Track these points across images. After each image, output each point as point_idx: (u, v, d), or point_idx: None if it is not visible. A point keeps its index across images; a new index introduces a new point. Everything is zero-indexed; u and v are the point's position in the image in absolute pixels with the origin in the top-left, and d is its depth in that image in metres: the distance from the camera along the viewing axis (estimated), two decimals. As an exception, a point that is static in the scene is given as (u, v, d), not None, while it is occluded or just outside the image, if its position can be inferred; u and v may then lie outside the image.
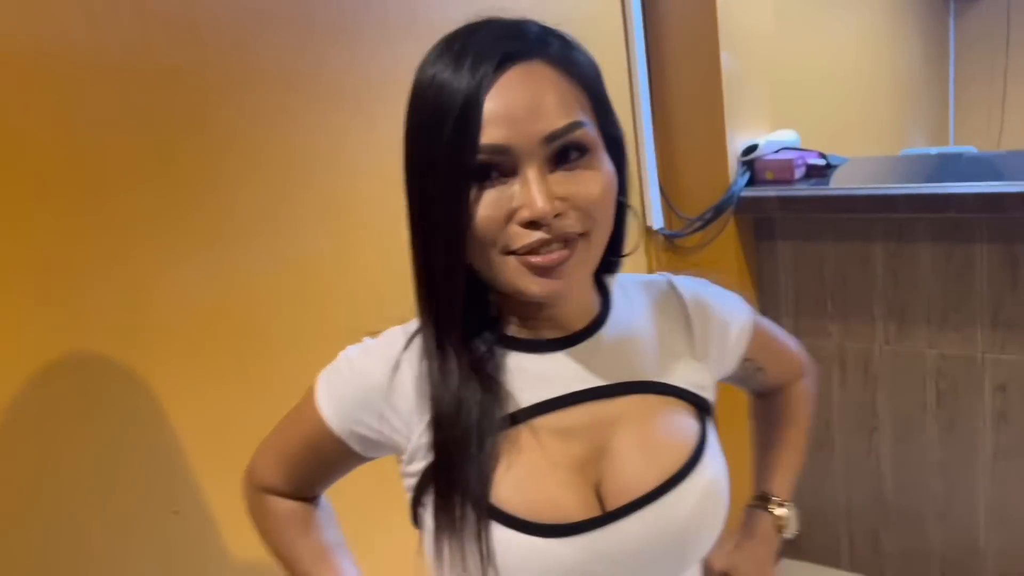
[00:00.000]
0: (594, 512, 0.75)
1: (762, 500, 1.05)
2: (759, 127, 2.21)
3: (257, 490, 0.91)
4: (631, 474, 0.76)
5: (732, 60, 2.06)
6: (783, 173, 2.08)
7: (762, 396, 1.08)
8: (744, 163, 2.13)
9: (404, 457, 0.80)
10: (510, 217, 0.70)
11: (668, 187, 2.15)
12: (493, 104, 0.68)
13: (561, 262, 0.70)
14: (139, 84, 1.09)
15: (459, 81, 0.68)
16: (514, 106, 0.68)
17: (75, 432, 1.05)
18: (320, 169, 1.34)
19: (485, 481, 0.74)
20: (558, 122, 0.69)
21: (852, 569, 2.35)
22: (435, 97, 0.69)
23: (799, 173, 2.10)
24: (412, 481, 0.80)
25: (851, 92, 3.43)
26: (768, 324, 1.00)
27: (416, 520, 0.82)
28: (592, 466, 0.77)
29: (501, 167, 0.69)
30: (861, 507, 2.28)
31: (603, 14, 1.96)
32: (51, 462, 1.03)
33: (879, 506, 2.25)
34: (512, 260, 0.71)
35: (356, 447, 0.82)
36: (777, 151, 2.14)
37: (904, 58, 4.06)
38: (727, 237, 2.13)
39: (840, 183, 2.06)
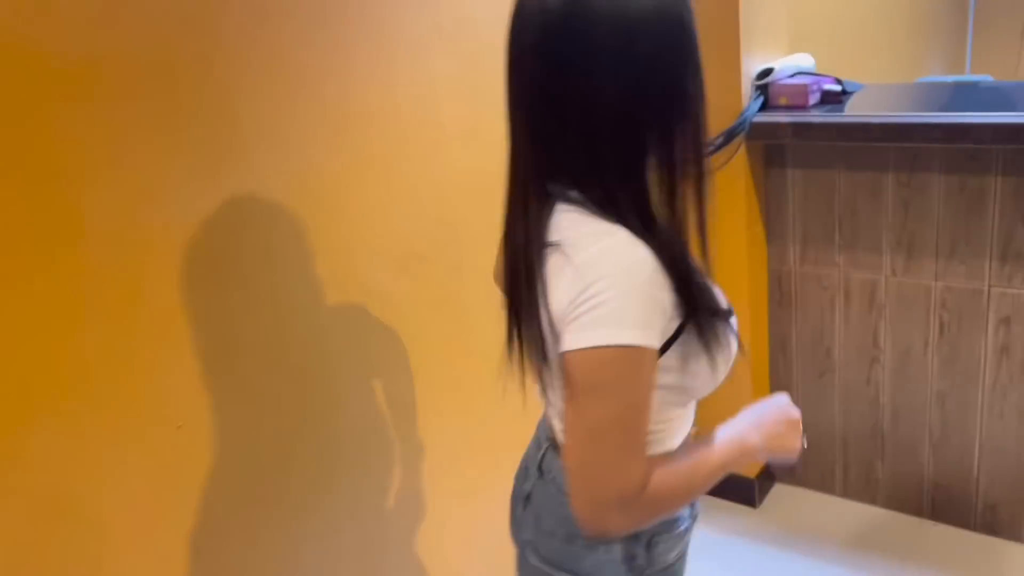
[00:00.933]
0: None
1: None
2: (775, 50, 2.15)
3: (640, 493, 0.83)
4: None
5: (750, -21, 1.99)
6: (797, 98, 2.03)
7: None
8: (758, 87, 2.08)
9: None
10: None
11: (679, 111, 2.10)
12: None
13: None
14: (138, -11, 1.05)
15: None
16: None
17: (73, 340, 1.04)
18: (330, 82, 1.30)
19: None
20: None
21: (845, 495, 2.39)
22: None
23: (814, 99, 2.05)
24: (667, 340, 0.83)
25: (869, 17, 3.33)
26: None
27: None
28: None
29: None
30: (858, 436, 2.31)
31: None
32: (50, 370, 1.03)
33: (875, 435, 2.28)
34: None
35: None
36: (792, 75, 2.09)
37: (925, -18, 3.94)
38: (738, 162, 2.09)
39: (855, 110, 2.01)
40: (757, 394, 2.34)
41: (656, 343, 0.80)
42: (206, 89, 1.14)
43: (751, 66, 2.06)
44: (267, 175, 1.24)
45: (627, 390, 0.79)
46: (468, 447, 1.70)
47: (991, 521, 2.16)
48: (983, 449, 2.12)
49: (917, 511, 2.27)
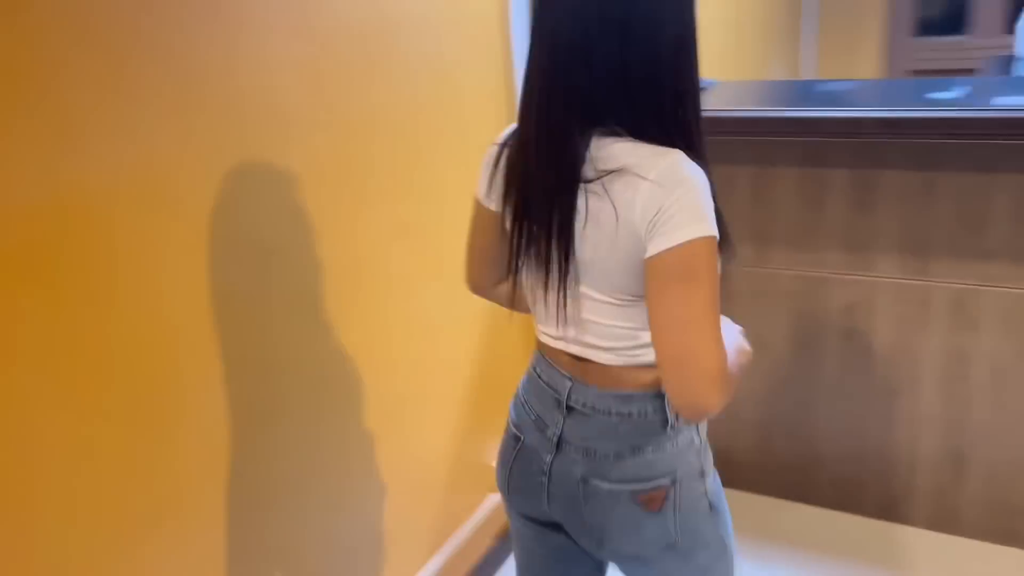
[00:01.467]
0: None
1: None
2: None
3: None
4: None
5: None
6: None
7: None
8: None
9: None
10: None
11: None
12: None
13: None
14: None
15: None
16: None
17: None
18: (172, 70, 1.19)
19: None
20: None
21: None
22: None
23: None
24: None
25: (716, 19, 3.47)
26: None
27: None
28: None
29: None
30: (713, 424, 2.38)
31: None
32: None
33: (731, 422, 2.36)
34: None
35: None
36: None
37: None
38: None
39: (711, 105, 2.07)
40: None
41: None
42: (38, 78, 1.01)
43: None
44: (106, 167, 1.12)
45: (713, 274, 0.92)
46: (323, 449, 1.62)
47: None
48: (829, 431, 2.24)
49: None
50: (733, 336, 1.09)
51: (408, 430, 1.84)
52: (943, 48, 4.91)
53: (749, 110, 1.97)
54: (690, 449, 1.10)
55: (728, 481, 2.32)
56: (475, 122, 1.92)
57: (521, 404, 1.18)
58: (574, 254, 1.00)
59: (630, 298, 1.00)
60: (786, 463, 2.32)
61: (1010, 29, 4.25)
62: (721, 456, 2.23)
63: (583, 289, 1.02)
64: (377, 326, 1.69)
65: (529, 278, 1.07)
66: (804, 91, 2.36)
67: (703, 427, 1.15)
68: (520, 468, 1.16)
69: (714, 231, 0.92)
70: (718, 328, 0.92)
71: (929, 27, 5.08)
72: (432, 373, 1.90)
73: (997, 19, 4.65)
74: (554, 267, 1.01)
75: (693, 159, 0.94)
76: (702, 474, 1.12)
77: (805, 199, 2.04)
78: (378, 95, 1.61)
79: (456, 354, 1.99)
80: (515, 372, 2.27)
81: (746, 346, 1.12)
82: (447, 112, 1.82)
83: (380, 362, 1.71)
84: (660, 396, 1.06)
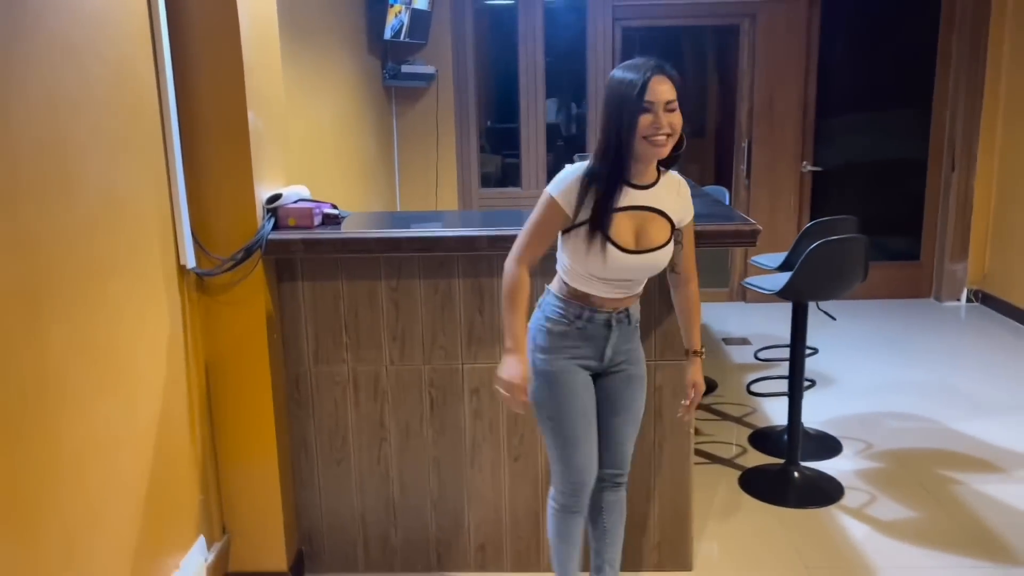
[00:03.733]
0: (634, 248, 1.99)
1: (694, 352, 2.25)
2: (278, 180, 2.49)
3: (519, 265, 2.03)
4: (646, 240, 2.00)
5: (257, 119, 2.31)
6: (304, 220, 2.39)
7: (675, 283, 2.21)
8: (269, 210, 2.37)
9: (573, 217, 1.98)
10: (650, 125, 1.88)
11: (201, 230, 2.28)
12: (651, 86, 1.87)
13: (663, 145, 1.90)
14: None
15: (636, 77, 1.88)
16: (655, 88, 1.87)
17: None
18: None
19: (607, 228, 1.96)
20: (668, 97, 1.89)
21: (367, 570, 2.68)
22: (628, 82, 1.89)
23: (318, 220, 2.43)
24: (572, 226, 2.00)
25: (330, 161, 3.93)
26: (693, 235, 2.17)
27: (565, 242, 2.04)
28: (641, 232, 2.00)
29: (652, 108, 1.88)
30: (374, 511, 2.65)
31: (137, 73, 2.04)
32: None
33: (387, 507, 2.64)
34: (646, 141, 1.90)
35: (571, 215, 1.97)
36: (296, 201, 2.44)
37: (365, 140, 4.76)
38: (256, 277, 2.34)
39: (350, 229, 2.44)
40: (284, 489, 2.53)
41: (567, 210, 1.98)
42: None
43: (261, 192, 2.36)
44: None
45: (535, 215, 2.03)
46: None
47: (483, 560, 2.67)
48: (469, 499, 2.63)
49: (427, 567, 2.68)
50: (518, 368, 2.00)
51: (81, 557, 1.80)
52: (502, 196, 6.04)
53: (384, 231, 2.37)
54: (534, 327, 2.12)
55: (388, 567, 2.64)
56: (144, 240, 2.04)
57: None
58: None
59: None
60: (435, 537, 2.65)
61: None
62: (380, 544, 2.63)
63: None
64: (56, 443, 1.69)
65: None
66: (425, 218, 2.86)
67: (548, 311, 2.10)
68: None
69: (552, 192, 1.97)
70: (524, 240, 2.01)
71: (488, 181, 6.20)
72: (107, 491, 1.89)
73: (542, 175, 5.90)
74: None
75: (592, 167, 1.96)
76: (537, 349, 2.10)
77: (436, 304, 2.48)
78: (58, 213, 1.69)
79: (135, 471, 2.00)
80: (191, 485, 2.40)
81: (517, 382, 2.00)
82: (117, 230, 1.93)
83: (58, 482, 1.69)
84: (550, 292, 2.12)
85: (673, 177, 2.06)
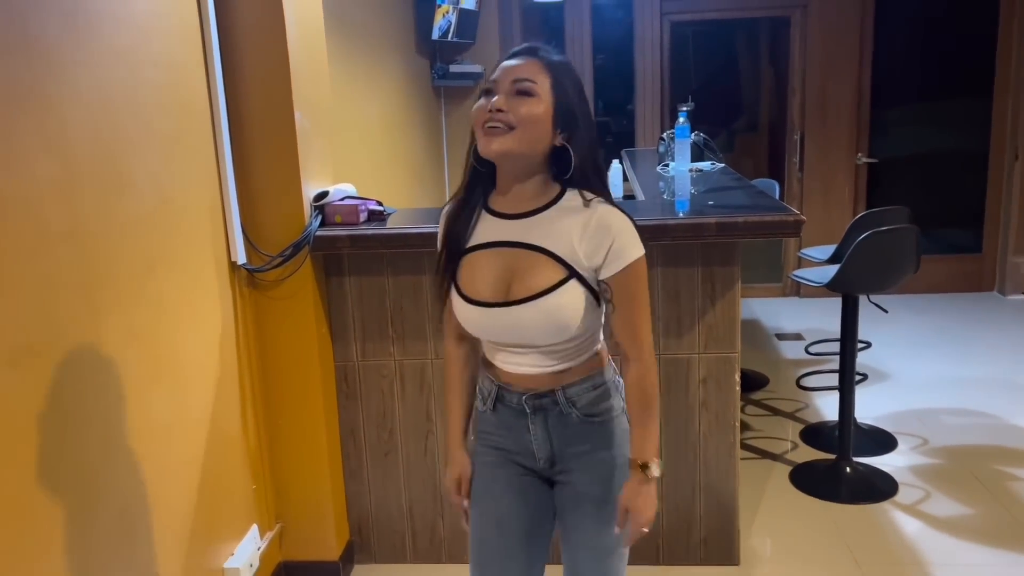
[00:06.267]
0: (490, 298, 1.46)
1: (643, 467, 1.49)
2: (324, 178, 2.55)
3: (446, 337, 1.65)
4: (520, 287, 1.44)
5: (303, 119, 2.37)
6: (350, 216, 2.44)
7: (619, 360, 1.56)
8: (316, 207, 2.44)
9: None
10: (487, 109, 1.39)
11: (251, 227, 2.35)
12: (502, 66, 1.43)
13: (498, 135, 1.38)
14: None
15: (499, 61, 1.45)
16: (507, 67, 1.42)
17: None
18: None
19: (453, 270, 1.51)
20: (519, 76, 1.40)
21: (415, 561, 2.73)
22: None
23: (363, 217, 2.48)
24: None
25: (379, 160, 4.00)
26: (641, 294, 1.48)
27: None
28: (507, 276, 1.45)
29: (495, 89, 1.41)
30: (420, 503, 2.69)
31: (188, 76, 2.11)
32: None
33: (435, 499, 2.68)
34: (480, 130, 1.41)
35: None
36: (343, 199, 2.50)
37: (414, 139, 4.83)
38: (304, 272, 2.40)
39: (395, 226, 2.49)
40: (334, 480, 2.59)
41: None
42: None
43: (309, 190, 2.42)
44: None
45: None
46: (53, 557, 1.63)
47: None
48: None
49: (473, 558, 2.71)
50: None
51: (140, 538, 1.88)
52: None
53: (426, 227, 2.41)
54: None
55: (436, 558, 2.65)
56: (196, 236, 2.12)
57: None
58: None
59: None
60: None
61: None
62: (427, 535, 2.65)
63: None
64: (113, 428, 1.77)
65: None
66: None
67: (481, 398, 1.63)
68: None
69: None
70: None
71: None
72: (163, 477, 1.97)
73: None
74: None
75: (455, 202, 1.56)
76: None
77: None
78: (114, 209, 1.77)
79: (188, 456, 2.08)
80: (244, 474, 2.45)
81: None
82: (170, 226, 2.01)
83: (116, 465, 1.77)
84: None
85: (580, 202, 1.43)
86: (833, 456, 3.28)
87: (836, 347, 3.26)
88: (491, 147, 1.37)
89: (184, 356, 2.05)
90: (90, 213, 1.68)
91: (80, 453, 1.65)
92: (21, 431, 1.48)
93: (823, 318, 5.33)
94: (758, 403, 4.02)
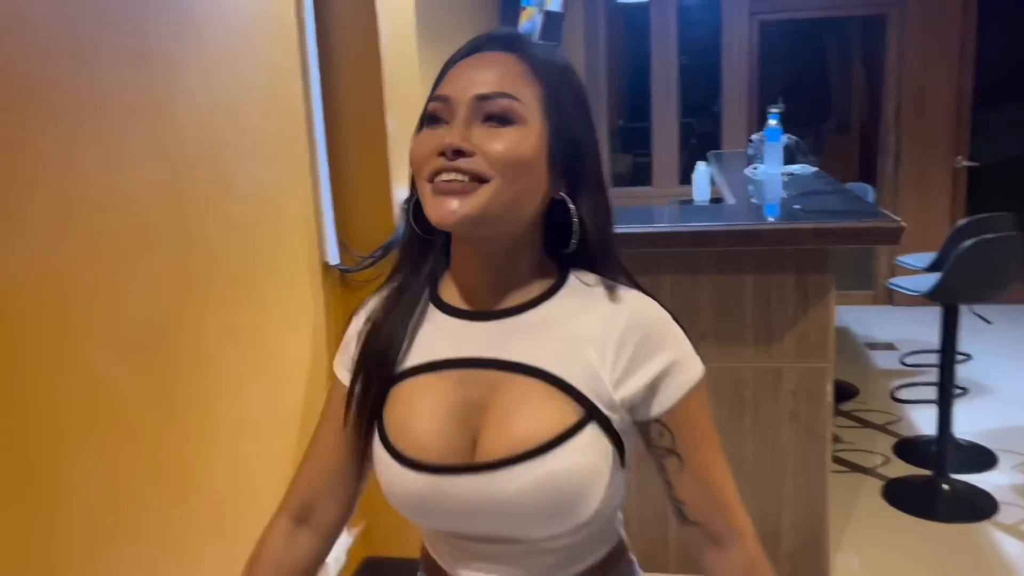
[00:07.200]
0: (456, 460, 0.87)
1: None
2: (414, 181, 2.59)
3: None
4: (493, 441, 0.86)
5: (394, 122, 2.41)
6: (439, 218, 2.46)
7: (696, 544, 0.95)
8: (405, 210, 2.47)
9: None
10: (432, 150, 0.84)
11: (343, 229, 2.41)
12: (454, 70, 0.88)
13: (461, 193, 0.82)
14: None
15: (453, 57, 0.91)
16: (465, 73, 0.86)
17: None
18: (63, 168, 1.36)
19: (379, 406, 0.92)
20: (489, 89, 0.84)
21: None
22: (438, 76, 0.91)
23: (451, 219, 2.50)
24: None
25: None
26: (713, 432, 0.92)
27: None
28: (473, 419, 0.88)
29: (444, 113, 0.85)
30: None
31: (287, 81, 2.17)
32: None
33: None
34: (428, 186, 0.85)
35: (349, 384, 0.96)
36: (431, 201, 2.52)
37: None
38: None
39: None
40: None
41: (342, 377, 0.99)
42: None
43: (399, 193, 2.46)
44: (2, 260, 1.25)
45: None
46: (192, 545, 1.70)
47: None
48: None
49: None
50: None
51: (231, 529, 1.94)
52: (632, 195, 5.98)
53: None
54: None
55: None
56: (292, 238, 2.18)
57: None
58: None
59: None
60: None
61: (684, 181, 5.32)
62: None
63: None
64: (211, 420, 1.83)
65: None
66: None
67: None
68: None
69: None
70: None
71: (619, 180, 6.17)
72: (256, 471, 2.03)
73: (674, 174, 5.79)
74: None
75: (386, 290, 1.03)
76: None
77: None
78: (217, 211, 1.83)
79: (281, 450, 2.14)
80: None
81: None
82: (268, 227, 2.07)
83: (212, 457, 1.83)
84: None
85: (598, 290, 0.91)
86: (929, 472, 3.15)
87: (934, 358, 3.13)
88: (449, 214, 0.82)
89: (280, 353, 2.11)
90: (195, 214, 1.75)
91: (180, 443, 1.71)
92: (127, 420, 1.54)
93: (917, 328, 5.13)
94: (847, 414, 3.89)
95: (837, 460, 3.40)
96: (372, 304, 0.98)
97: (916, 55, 5.46)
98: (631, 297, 0.91)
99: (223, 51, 1.86)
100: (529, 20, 4.97)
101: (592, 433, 0.86)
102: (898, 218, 2.30)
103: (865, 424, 3.78)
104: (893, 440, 3.58)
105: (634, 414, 0.89)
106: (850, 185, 3.98)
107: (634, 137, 6.15)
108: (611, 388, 0.87)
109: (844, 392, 4.12)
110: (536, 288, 0.91)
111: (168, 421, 1.66)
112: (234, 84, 1.91)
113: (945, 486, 3.06)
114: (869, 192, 3.99)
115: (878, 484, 3.18)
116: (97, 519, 1.44)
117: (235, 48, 1.92)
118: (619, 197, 6.03)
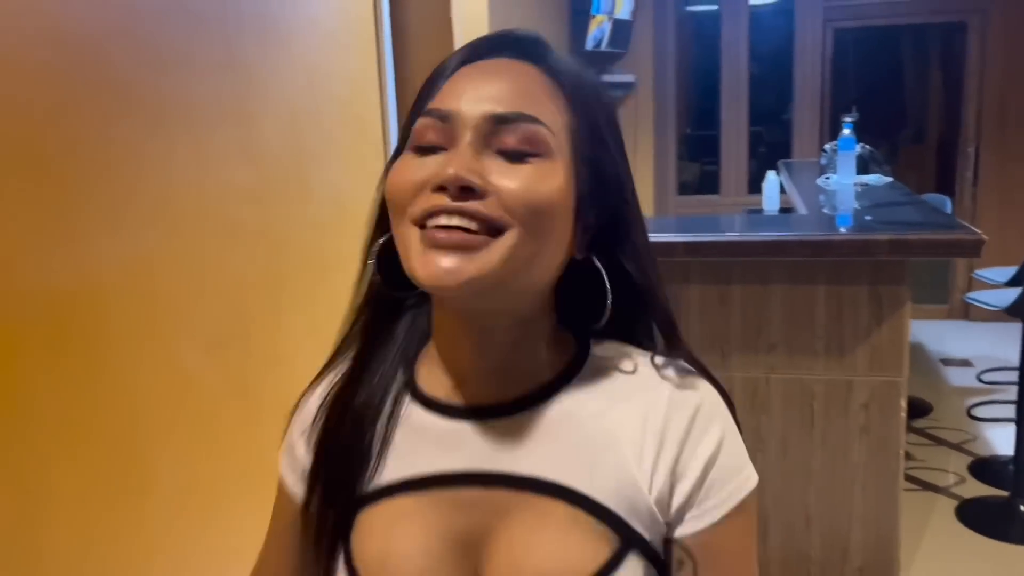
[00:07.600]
0: None
1: None
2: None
3: None
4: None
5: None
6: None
7: None
8: (476, 215, 2.51)
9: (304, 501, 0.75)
10: (418, 182, 0.62)
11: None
12: (458, 77, 0.65)
13: (466, 248, 0.60)
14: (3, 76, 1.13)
15: (448, 63, 0.67)
16: (471, 83, 0.64)
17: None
18: (151, 171, 1.43)
19: (347, 529, 0.70)
20: (508, 108, 0.62)
21: None
22: (426, 82, 0.68)
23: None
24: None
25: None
26: (748, 565, 0.68)
27: None
28: (473, 557, 0.66)
29: (441, 136, 0.63)
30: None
31: (364, 89, 2.23)
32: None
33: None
34: (416, 232, 0.62)
35: (298, 497, 0.77)
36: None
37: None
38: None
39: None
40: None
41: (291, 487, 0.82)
42: (61, 173, 1.22)
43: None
44: (103, 258, 1.31)
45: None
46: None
47: None
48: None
49: None
50: None
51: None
52: (699, 204, 5.93)
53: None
54: None
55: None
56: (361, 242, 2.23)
57: None
58: None
59: None
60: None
61: (752, 190, 5.26)
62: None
63: None
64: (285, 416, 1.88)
65: None
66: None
67: None
68: None
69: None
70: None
71: (685, 188, 6.13)
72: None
73: (742, 183, 5.72)
74: None
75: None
76: None
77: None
78: (298, 214, 1.90)
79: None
80: None
81: None
82: (343, 231, 2.13)
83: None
84: None
85: (645, 371, 0.70)
86: (1006, 493, 3.04)
87: (1012, 376, 3.03)
88: (447, 276, 0.61)
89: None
90: (277, 218, 1.81)
91: (260, 438, 1.77)
92: (208, 414, 1.61)
93: (995, 344, 4.96)
94: (920, 431, 3.79)
95: (909, 478, 3.32)
96: (319, 395, 0.77)
97: (998, 63, 5.29)
98: (681, 378, 0.68)
99: (305, 61, 1.93)
100: (598, 27, 4.98)
101: (632, 568, 0.64)
102: (978, 231, 2.24)
103: (939, 442, 3.68)
104: (968, 459, 3.47)
105: (671, 529, 0.67)
106: (926, 196, 3.88)
107: (702, 145, 6.11)
108: (653, 503, 0.65)
109: (917, 409, 4.01)
110: (548, 371, 0.69)
111: (246, 418, 1.72)
112: (314, 92, 1.97)
113: (1023, 508, 2.96)
114: (946, 204, 3.88)
115: (951, 504, 3.09)
116: (182, 509, 1.51)
117: (316, 57, 1.98)
118: (686, 205, 5.99)
